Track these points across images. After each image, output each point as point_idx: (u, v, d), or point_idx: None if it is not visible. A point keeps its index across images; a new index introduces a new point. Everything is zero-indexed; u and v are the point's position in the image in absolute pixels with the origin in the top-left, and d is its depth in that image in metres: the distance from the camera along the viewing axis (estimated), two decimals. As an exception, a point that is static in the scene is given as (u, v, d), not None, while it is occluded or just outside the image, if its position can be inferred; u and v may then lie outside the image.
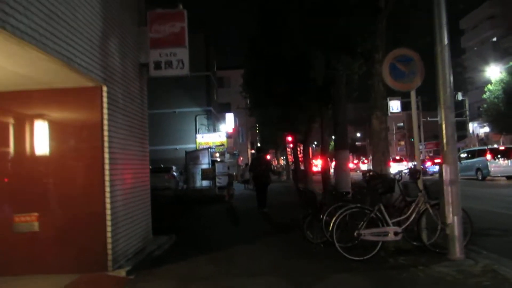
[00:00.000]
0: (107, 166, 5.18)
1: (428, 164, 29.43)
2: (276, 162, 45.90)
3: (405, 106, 40.75)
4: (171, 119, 32.66)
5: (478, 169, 21.34)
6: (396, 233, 5.22)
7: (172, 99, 32.31)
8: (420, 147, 60.99)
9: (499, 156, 20.64)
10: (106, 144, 5.19)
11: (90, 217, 5.11)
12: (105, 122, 5.21)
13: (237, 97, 43.22)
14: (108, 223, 5.13)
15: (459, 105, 43.94)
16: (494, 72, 33.45)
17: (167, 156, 30.02)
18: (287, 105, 16.96)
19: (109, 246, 5.10)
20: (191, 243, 7.35)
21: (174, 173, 22.40)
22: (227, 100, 43.16)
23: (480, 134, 43.95)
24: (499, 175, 20.64)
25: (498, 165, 20.52)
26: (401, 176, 5.85)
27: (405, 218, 5.36)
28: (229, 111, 39.04)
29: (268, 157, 26.88)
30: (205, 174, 18.30)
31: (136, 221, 6.19)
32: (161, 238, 7.13)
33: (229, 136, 34.79)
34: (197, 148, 27.23)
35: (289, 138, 26.73)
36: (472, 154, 22.72)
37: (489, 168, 20.50)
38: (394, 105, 38.79)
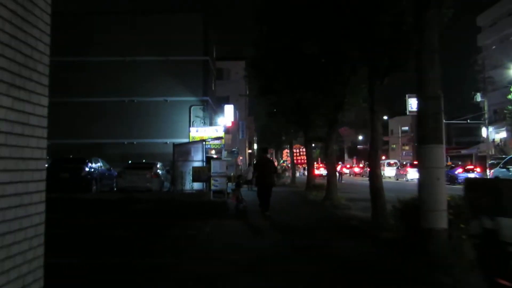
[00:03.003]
0: None
1: (459, 170, 25.17)
2: (276, 163, 41.70)
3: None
4: (161, 108, 28.29)
5: (523, 181, 17.23)
6: None
7: (163, 85, 27.92)
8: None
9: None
10: None
11: None
12: None
13: (238, 90, 39.09)
14: None
15: (476, 108, 39.82)
16: (519, 72, 29.46)
17: (154, 151, 25.89)
18: (310, 88, 12.78)
19: None
20: None
21: (159, 171, 17.90)
22: (226, 93, 38.78)
23: (495, 140, 39.98)
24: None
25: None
26: None
27: None
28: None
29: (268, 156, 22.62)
30: (197, 174, 14.03)
31: None
32: None
33: (227, 131, 30.41)
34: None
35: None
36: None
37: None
38: (414, 104, 34.19)
